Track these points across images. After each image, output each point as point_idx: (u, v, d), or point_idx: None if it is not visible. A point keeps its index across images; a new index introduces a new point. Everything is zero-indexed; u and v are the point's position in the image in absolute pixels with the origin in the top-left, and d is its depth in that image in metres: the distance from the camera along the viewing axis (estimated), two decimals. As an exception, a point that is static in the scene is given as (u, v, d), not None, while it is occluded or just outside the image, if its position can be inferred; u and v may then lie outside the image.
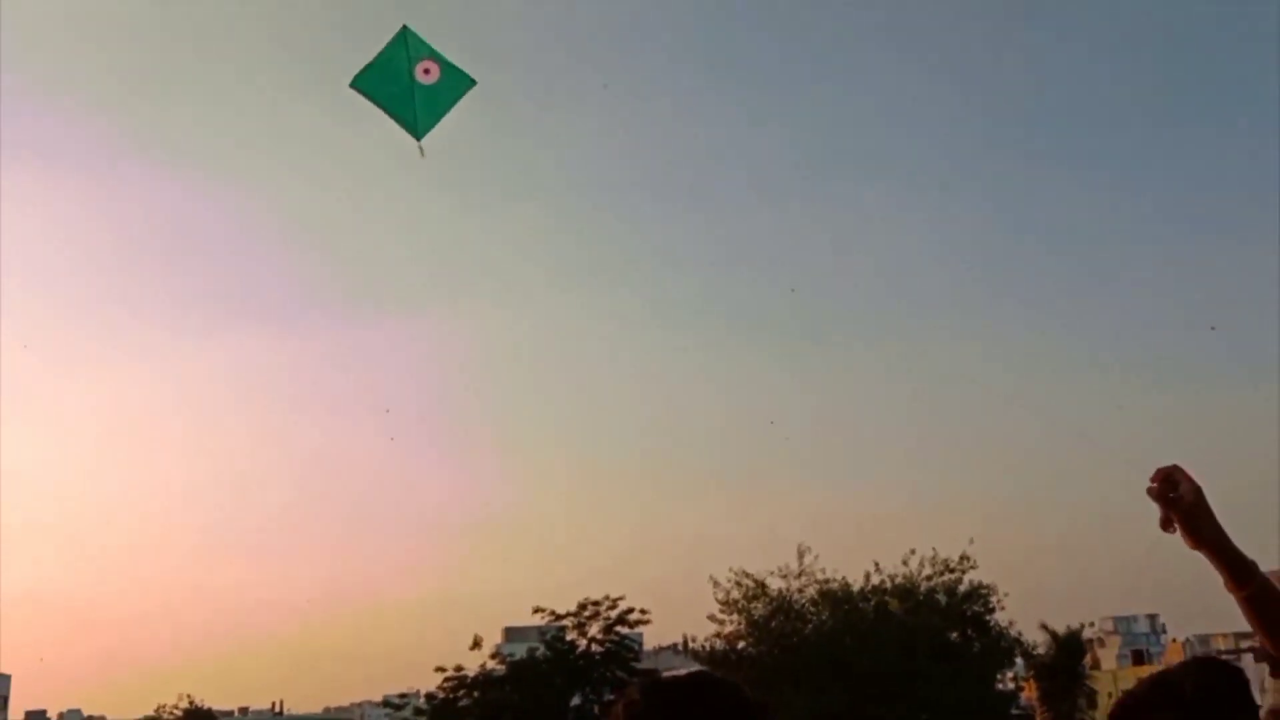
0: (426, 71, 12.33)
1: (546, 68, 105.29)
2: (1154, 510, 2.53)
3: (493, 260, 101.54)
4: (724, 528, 72.19)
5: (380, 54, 12.25)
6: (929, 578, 32.28)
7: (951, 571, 32.20)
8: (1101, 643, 52.38)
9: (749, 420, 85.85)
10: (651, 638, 42.69)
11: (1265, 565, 2.54)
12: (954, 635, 32.20)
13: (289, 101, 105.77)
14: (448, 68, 12.31)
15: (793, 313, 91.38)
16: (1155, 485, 2.54)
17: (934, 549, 32.34)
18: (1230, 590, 2.48)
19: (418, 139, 12.08)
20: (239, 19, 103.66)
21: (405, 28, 12.21)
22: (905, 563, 32.46)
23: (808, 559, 32.33)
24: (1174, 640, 54.66)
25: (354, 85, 12.03)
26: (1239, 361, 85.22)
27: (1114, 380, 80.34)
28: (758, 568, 32.69)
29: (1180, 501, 2.50)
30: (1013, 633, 33.08)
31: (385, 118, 11.84)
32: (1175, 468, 2.54)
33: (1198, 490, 2.50)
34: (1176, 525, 2.50)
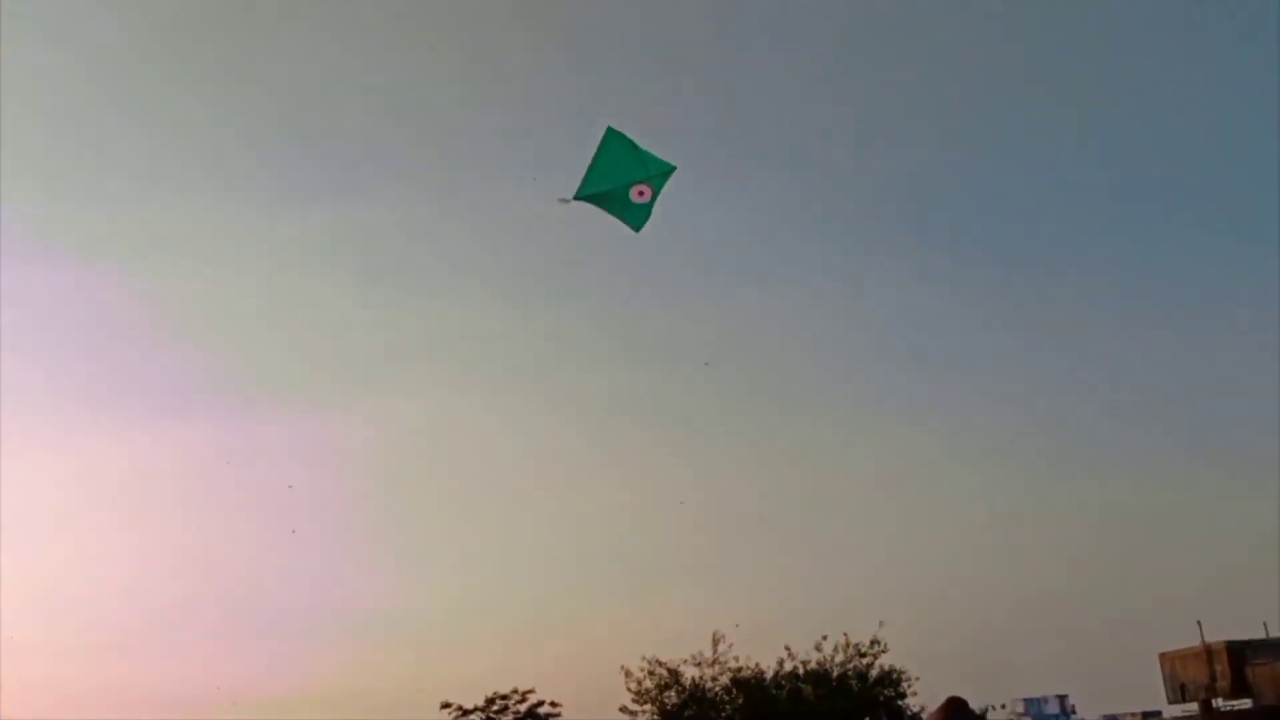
0: (640, 194, 14.29)
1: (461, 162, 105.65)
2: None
3: (393, 355, 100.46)
4: (636, 616, 71.39)
5: (648, 154, 14.13)
6: (841, 663, 32.16)
7: (863, 656, 32.14)
8: (1013, 724, 52.66)
9: (656, 507, 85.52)
10: (563, 731, 41.76)
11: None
12: (867, 720, 32.04)
13: (185, 192, 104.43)
14: (647, 206, 14.32)
15: (699, 402, 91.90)
16: None
17: (845, 634, 32.36)
18: None
19: (576, 194, 14.14)
20: (145, 107, 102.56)
21: (673, 167, 14.04)
22: (818, 648, 32.34)
23: (721, 646, 32.08)
24: (1083, 720, 55.33)
25: (611, 129, 13.90)
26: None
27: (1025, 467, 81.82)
28: (671, 656, 32.31)
29: None
30: (925, 717, 33.00)
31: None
32: None
33: None
34: None
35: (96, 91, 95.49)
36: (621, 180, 14.17)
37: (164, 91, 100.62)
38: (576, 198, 14.03)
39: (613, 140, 14.14)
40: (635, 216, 14.35)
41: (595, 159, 14.11)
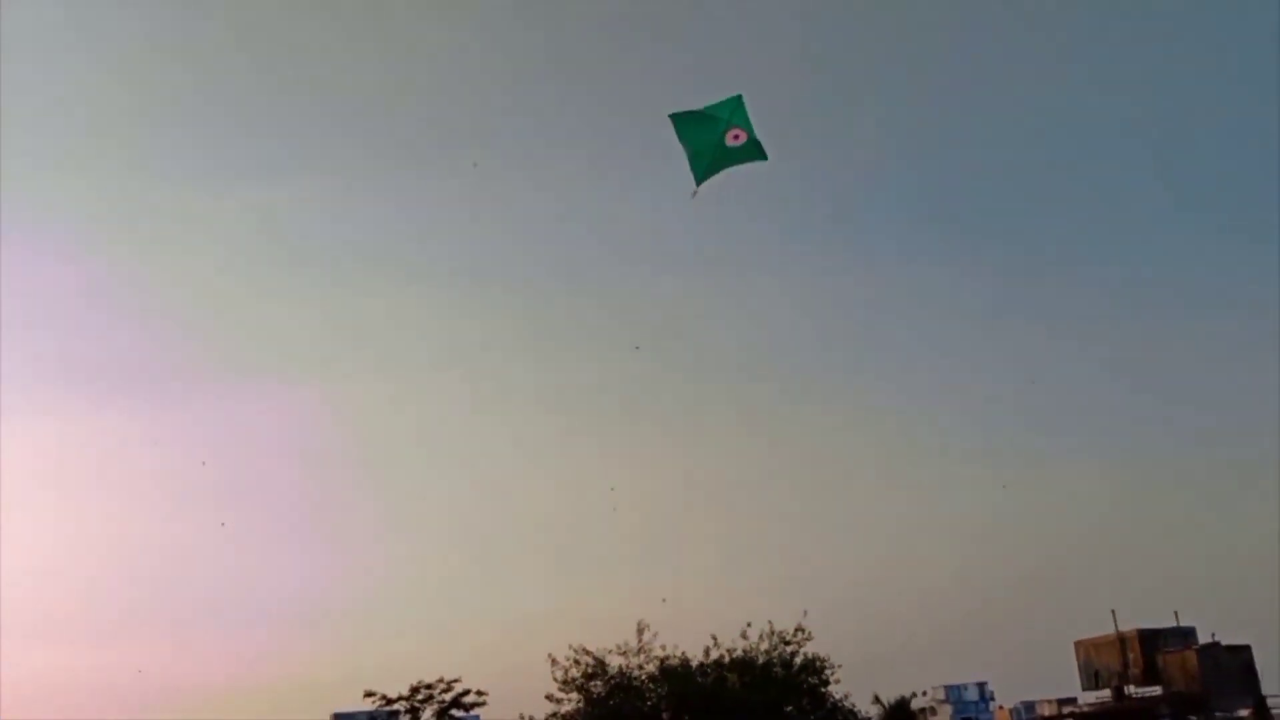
0: (735, 137, 14.82)
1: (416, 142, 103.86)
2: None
3: (316, 341, 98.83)
4: (563, 604, 71.30)
5: (709, 106, 14.85)
6: (766, 651, 32.42)
7: (788, 644, 32.40)
8: (934, 711, 53.49)
9: (586, 497, 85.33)
10: (488, 718, 41.66)
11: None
12: (790, 708, 32.31)
13: (106, 173, 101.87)
14: (752, 139, 14.78)
15: (630, 390, 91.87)
16: None
17: (769, 622, 32.61)
18: None
19: (697, 184, 14.89)
20: (95, 87, 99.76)
21: (739, 96, 14.66)
22: (744, 635, 32.54)
23: (646, 635, 32.17)
24: (1001, 707, 56.32)
25: (672, 116, 14.84)
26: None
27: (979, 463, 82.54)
28: (597, 645, 32.33)
29: None
30: (848, 704, 33.41)
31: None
32: None
33: None
34: None
35: (25, 74, 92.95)
36: (711, 143, 14.87)
37: (85, 74, 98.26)
38: (700, 182, 14.89)
39: (680, 122, 14.91)
40: (749, 154, 14.87)
41: (684, 145, 15.01)
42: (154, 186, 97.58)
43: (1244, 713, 43.86)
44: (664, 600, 32.21)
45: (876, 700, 42.24)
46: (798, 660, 32.42)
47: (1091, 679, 49.50)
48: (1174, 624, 48.22)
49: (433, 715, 31.12)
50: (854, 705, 33.90)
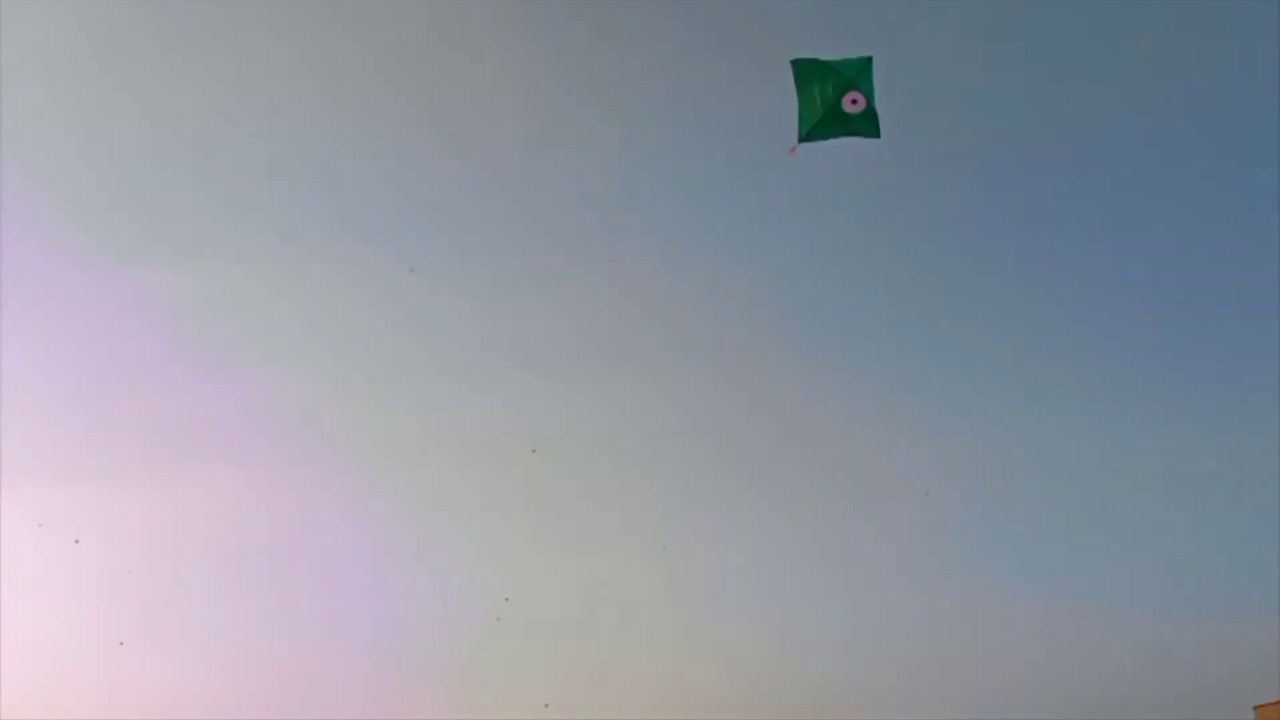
0: (854, 102, 14.15)
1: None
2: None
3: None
4: None
5: (836, 61, 14.17)
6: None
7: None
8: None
9: (476, 607, 79.52)
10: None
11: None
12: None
13: None
14: (870, 109, 14.13)
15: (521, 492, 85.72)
16: None
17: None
18: None
19: (799, 139, 14.18)
20: None
21: (870, 60, 14.05)
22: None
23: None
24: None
25: (794, 62, 14.11)
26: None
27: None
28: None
29: None
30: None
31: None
32: None
33: None
34: None
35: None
36: (827, 99, 14.29)
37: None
38: (802, 141, 14.23)
39: (800, 68, 14.29)
40: (864, 126, 14.32)
41: (798, 95, 14.32)
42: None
43: None
44: (546, 705, 30.53)
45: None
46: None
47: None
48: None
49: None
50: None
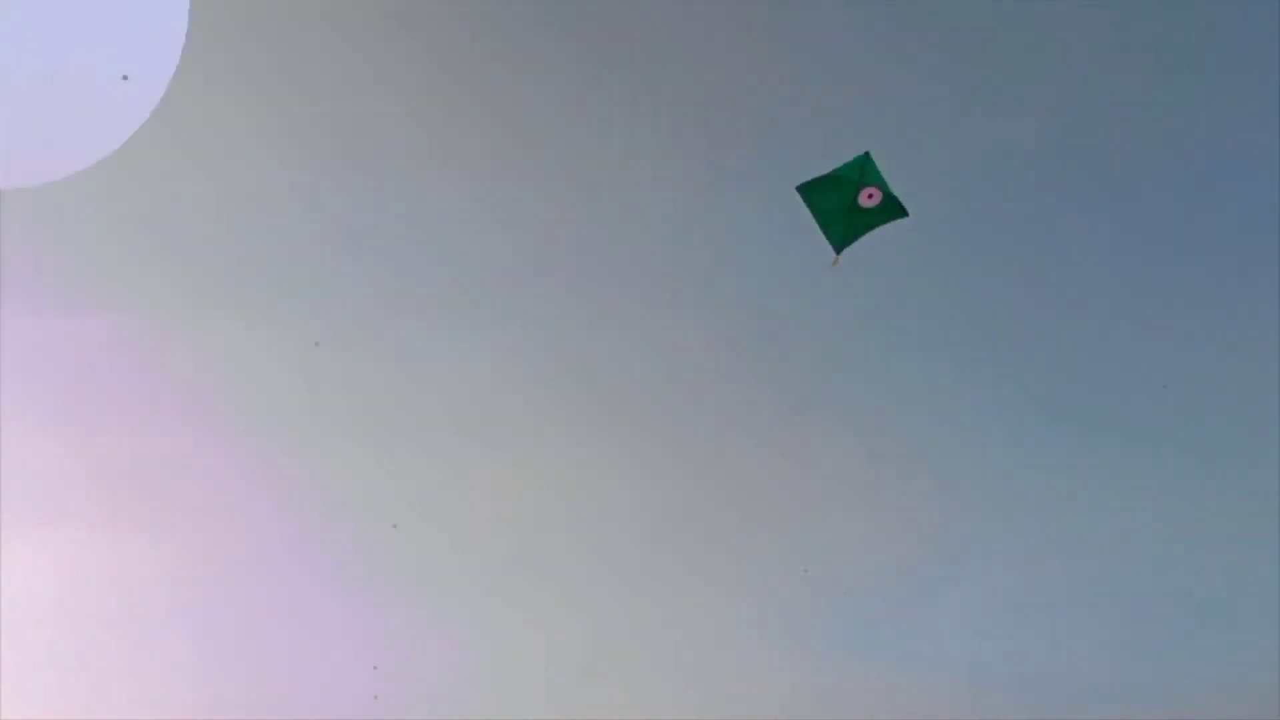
0: (870, 196, 14.55)
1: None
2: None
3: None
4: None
5: (836, 170, 14.57)
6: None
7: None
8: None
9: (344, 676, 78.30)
10: None
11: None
12: None
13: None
14: (888, 196, 14.47)
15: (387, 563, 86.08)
16: None
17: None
18: None
19: (837, 252, 14.57)
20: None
21: (868, 154, 14.35)
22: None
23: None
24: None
25: (800, 189, 14.50)
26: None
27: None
28: None
29: None
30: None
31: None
32: None
33: None
34: None
35: None
36: (844, 206, 14.98)
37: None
38: (839, 250, 14.82)
39: (808, 192, 14.85)
40: (886, 214, 14.79)
41: (815, 215, 14.94)
42: None
43: None
44: None
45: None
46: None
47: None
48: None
49: None
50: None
